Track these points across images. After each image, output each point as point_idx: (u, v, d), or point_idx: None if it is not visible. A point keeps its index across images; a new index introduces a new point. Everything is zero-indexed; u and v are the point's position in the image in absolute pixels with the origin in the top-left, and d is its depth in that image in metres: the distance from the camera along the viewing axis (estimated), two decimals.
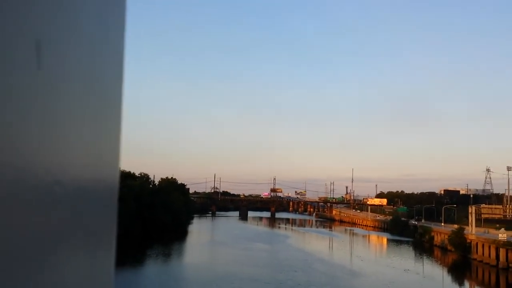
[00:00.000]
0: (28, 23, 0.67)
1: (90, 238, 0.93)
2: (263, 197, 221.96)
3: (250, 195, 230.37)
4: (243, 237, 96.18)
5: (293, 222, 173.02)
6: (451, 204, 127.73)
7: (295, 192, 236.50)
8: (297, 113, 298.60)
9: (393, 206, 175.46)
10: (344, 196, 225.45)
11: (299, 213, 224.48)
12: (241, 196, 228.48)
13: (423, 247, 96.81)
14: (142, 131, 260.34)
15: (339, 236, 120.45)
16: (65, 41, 0.79)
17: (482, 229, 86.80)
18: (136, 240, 77.51)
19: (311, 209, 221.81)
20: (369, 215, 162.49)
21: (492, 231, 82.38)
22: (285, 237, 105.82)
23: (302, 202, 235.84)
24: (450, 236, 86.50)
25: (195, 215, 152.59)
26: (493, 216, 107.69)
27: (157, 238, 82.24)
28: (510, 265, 68.38)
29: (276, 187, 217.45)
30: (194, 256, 69.49)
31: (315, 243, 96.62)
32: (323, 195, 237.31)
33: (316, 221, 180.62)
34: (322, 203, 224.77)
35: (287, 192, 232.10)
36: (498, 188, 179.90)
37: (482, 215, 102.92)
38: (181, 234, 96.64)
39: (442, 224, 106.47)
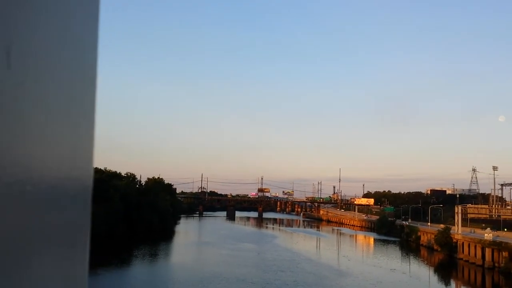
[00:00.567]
0: None
1: (63, 238, 0.92)
2: (251, 197, 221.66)
3: (238, 195, 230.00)
4: (230, 237, 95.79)
5: (280, 222, 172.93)
6: (438, 204, 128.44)
7: (283, 192, 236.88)
8: (284, 113, 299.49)
9: (380, 206, 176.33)
10: (331, 196, 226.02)
11: (286, 213, 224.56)
12: (229, 196, 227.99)
13: (410, 246, 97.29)
14: (128, 131, 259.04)
15: (327, 236, 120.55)
16: (36, 39, 0.78)
17: (468, 229, 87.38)
18: (122, 240, 76.74)
19: (299, 209, 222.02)
20: (356, 215, 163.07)
21: (478, 231, 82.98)
22: (273, 237, 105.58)
23: (289, 202, 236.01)
24: (437, 236, 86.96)
25: (182, 215, 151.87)
26: (479, 216, 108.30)
27: (144, 238, 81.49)
28: (496, 264, 68.88)
29: (264, 187, 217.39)
30: (181, 256, 68.88)
31: (302, 243, 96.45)
32: (310, 195, 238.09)
33: (303, 221, 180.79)
34: (309, 203, 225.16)
35: (275, 192, 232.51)
36: (484, 188, 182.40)
37: (468, 215, 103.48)
38: (167, 234, 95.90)
39: (429, 224, 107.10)
